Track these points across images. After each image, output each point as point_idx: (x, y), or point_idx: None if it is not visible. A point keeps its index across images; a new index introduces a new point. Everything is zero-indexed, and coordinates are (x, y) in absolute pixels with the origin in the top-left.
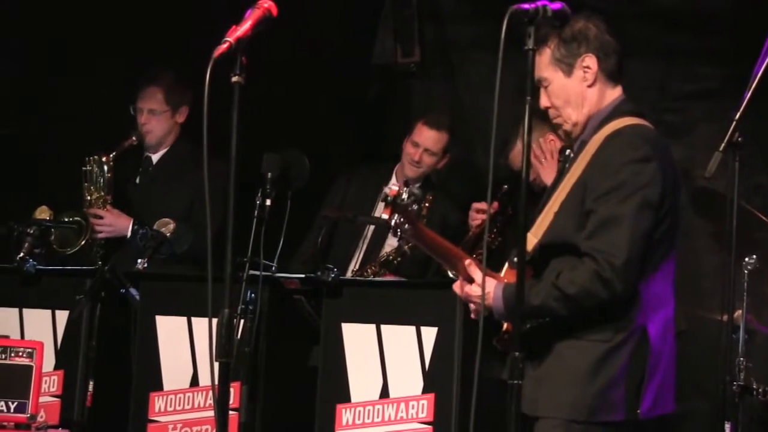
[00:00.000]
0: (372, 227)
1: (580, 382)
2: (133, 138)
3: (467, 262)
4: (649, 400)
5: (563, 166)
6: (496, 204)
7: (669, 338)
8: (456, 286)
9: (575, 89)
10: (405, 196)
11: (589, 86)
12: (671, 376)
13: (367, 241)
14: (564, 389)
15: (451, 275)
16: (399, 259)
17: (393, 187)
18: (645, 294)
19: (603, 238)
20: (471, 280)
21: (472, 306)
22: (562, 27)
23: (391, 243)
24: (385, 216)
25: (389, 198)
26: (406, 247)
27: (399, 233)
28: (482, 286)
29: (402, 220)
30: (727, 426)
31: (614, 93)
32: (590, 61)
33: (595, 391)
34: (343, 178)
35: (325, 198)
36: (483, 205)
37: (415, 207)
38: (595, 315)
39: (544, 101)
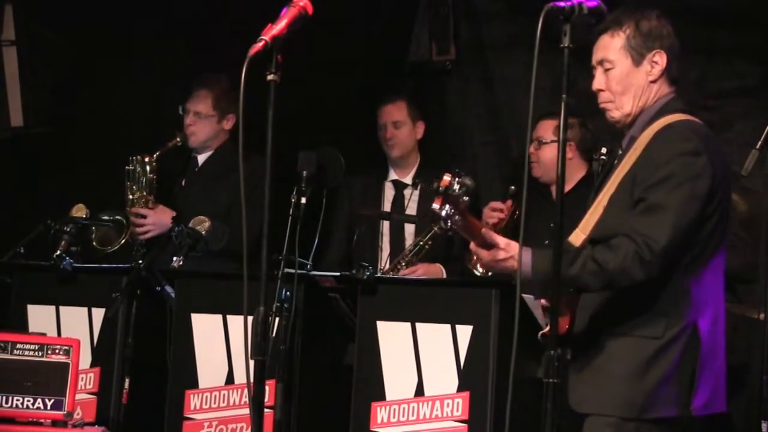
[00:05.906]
0: (386, 224)
1: (631, 379)
2: (177, 139)
3: (483, 230)
4: (703, 397)
5: (598, 165)
6: (509, 203)
7: (719, 333)
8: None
9: (638, 80)
10: (456, 186)
11: (652, 81)
12: (722, 373)
13: (387, 237)
14: (615, 386)
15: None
16: (430, 243)
17: (445, 177)
18: (695, 290)
19: (645, 222)
20: (489, 247)
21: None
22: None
23: (411, 233)
24: (436, 206)
25: (441, 188)
26: (436, 228)
27: (449, 224)
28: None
29: (453, 211)
30: (764, 425)
31: (668, 92)
32: (660, 57)
33: (647, 388)
34: (343, 189)
35: (333, 213)
36: (498, 204)
37: (465, 199)
38: (645, 310)
39: (599, 83)
